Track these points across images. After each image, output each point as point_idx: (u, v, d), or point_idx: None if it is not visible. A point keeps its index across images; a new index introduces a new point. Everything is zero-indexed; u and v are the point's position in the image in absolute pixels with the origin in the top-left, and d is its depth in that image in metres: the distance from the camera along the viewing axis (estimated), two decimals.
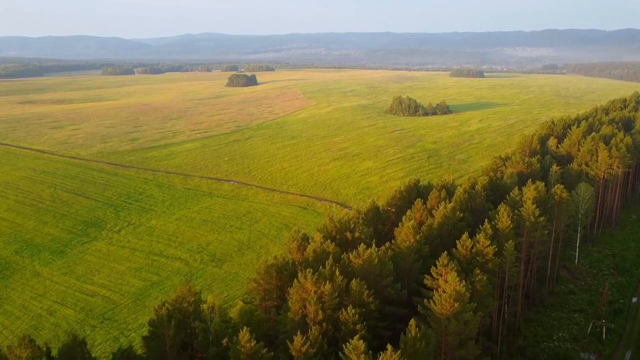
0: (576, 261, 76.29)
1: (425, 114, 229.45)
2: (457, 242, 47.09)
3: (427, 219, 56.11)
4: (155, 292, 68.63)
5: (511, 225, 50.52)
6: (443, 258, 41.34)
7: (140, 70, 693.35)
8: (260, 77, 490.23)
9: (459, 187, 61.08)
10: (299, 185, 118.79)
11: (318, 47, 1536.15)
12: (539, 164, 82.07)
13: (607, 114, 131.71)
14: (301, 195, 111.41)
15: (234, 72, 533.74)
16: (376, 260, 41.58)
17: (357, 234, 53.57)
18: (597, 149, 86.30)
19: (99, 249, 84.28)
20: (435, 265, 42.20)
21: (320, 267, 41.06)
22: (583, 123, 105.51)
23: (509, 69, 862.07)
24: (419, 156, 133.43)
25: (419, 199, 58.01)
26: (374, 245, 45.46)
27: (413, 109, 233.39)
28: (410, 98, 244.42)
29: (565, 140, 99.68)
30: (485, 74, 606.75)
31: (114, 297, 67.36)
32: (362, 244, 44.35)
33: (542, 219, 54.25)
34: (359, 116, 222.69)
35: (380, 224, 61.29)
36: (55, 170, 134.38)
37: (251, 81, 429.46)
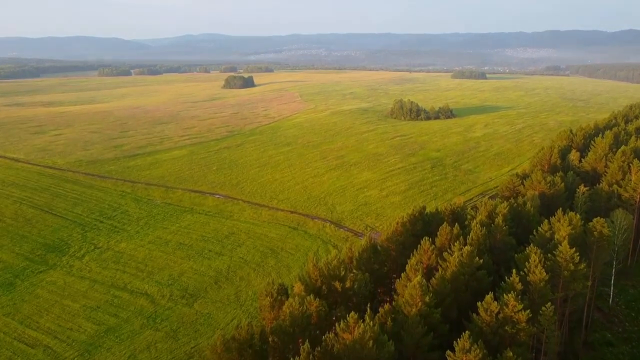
0: (610, 300, 65.03)
1: (428, 118, 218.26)
2: (479, 305, 36.04)
3: (436, 263, 45.01)
4: (108, 341, 57.41)
5: (546, 278, 39.41)
6: (464, 340, 30.30)
7: (138, 72, 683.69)
8: (258, 78, 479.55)
9: (475, 223, 49.83)
10: (290, 200, 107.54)
11: (318, 48, 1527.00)
12: (563, 184, 70.89)
13: (627, 122, 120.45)
14: (292, 212, 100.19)
15: (231, 74, 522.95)
16: (371, 342, 30.49)
17: (348, 284, 42.45)
18: (629, 166, 75.02)
19: (54, 280, 73.06)
20: (452, 347, 31.17)
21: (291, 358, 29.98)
22: (607, 134, 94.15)
23: (511, 71, 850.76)
24: (422, 166, 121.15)
25: (426, 238, 46.81)
26: (368, 313, 34.24)
27: (415, 112, 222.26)
28: (411, 101, 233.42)
29: (589, 153, 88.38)
30: (487, 75, 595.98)
31: (58, 349, 56.10)
32: (352, 313, 33.25)
33: (582, 265, 43.07)
34: (358, 120, 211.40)
35: (377, 264, 50.16)
36: (25, 182, 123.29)
37: (248, 83, 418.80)
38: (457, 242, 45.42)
